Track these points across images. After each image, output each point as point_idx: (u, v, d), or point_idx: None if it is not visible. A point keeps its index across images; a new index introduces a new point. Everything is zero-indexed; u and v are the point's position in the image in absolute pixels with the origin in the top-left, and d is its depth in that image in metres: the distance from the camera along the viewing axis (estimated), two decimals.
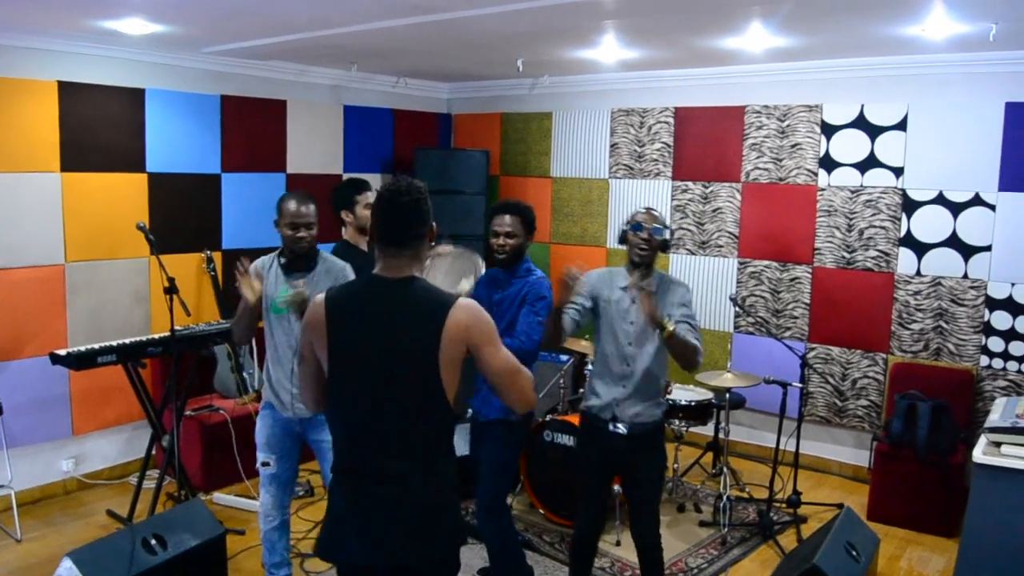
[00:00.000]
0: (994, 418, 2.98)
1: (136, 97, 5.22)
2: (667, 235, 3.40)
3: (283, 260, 3.69)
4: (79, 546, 3.61)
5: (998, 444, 2.85)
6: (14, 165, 4.72)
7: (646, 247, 3.35)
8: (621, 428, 3.37)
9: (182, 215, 5.48)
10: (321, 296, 2.43)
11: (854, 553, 3.72)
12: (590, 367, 4.80)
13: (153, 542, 3.71)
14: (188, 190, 5.53)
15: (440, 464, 2.36)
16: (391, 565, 2.31)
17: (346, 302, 2.39)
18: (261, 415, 3.76)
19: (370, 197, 4.29)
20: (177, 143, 5.44)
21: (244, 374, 5.40)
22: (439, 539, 2.34)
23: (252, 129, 5.87)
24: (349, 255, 4.09)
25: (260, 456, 3.74)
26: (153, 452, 4.81)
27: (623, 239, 3.45)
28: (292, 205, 3.59)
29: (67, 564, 3.50)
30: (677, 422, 4.98)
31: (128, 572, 3.52)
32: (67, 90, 4.89)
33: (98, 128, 5.05)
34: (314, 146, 6.32)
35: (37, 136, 4.80)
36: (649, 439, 3.43)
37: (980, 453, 2.85)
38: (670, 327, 3.10)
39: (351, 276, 3.69)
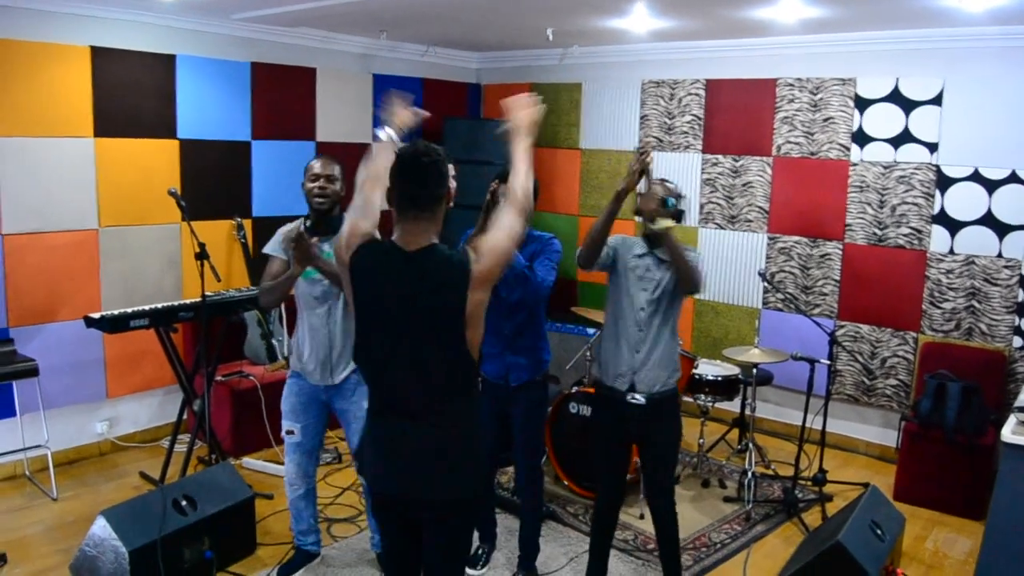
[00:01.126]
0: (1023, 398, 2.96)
1: (167, 63, 5.25)
2: (677, 204, 3.41)
3: (308, 223, 3.68)
4: (112, 505, 3.71)
5: None
6: (48, 130, 4.77)
7: (657, 216, 3.36)
8: (640, 398, 3.38)
9: (213, 182, 5.52)
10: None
11: (879, 532, 3.72)
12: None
13: (184, 503, 3.81)
14: (218, 157, 5.56)
15: (463, 415, 2.45)
16: (412, 498, 2.46)
17: (369, 271, 2.43)
18: (288, 383, 3.79)
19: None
20: (208, 110, 5.47)
21: (273, 341, 5.45)
22: (457, 480, 2.45)
23: (282, 96, 5.88)
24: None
25: (285, 424, 3.78)
26: (184, 416, 4.89)
27: (638, 211, 3.47)
28: (316, 162, 3.64)
29: (101, 522, 3.60)
30: (703, 397, 4.99)
31: (159, 531, 3.62)
32: (100, 55, 4.92)
33: (130, 94, 5.08)
34: (343, 114, 6.32)
35: (71, 101, 4.84)
36: (666, 407, 3.45)
37: (1009, 432, 2.83)
38: (666, 222, 3.21)
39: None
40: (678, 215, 3.42)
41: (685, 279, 3.34)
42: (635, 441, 3.53)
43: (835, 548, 3.49)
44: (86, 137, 4.92)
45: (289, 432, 3.76)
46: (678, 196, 3.43)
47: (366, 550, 4.11)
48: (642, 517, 4.51)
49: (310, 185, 3.61)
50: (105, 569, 3.57)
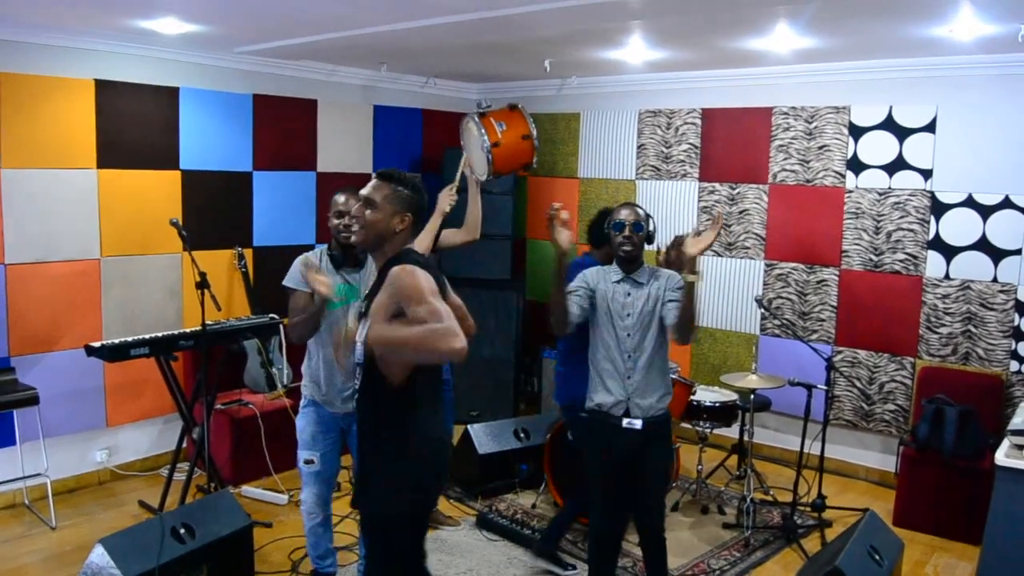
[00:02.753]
0: (1017, 421, 2.97)
1: (171, 96, 5.33)
2: (649, 227, 3.50)
3: (332, 253, 3.72)
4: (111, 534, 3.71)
5: (1021, 447, 2.83)
6: (52, 162, 4.84)
7: (629, 245, 3.45)
8: (636, 424, 3.41)
9: (214, 212, 5.58)
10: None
11: (877, 557, 3.71)
12: None
13: (182, 531, 3.80)
14: (220, 187, 5.63)
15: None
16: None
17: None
18: (303, 413, 3.79)
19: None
20: (210, 141, 5.55)
21: (273, 370, 5.48)
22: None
23: (283, 128, 5.96)
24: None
25: (304, 455, 3.77)
26: (184, 445, 4.90)
27: (605, 239, 3.55)
28: (340, 197, 3.67)
29: (99, 551, 3.59)
30: (702, 423, 4.99)
31: (157, 559, 3.61)
32: (104, 88, 5.00)
33: (133, 126, 5.16)
34: (344, 145, 6.40)
35: (74, 133, 4.92)
36: (660, 430, 3.48)
37: (1003, 455, 2.84)
38: (696, 274, 3.21)
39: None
40: (649, 237, 3.50)
41: (684, 331, 3.34)
42: (628, 465, 3.54)
43: (833, 574, 3.48)
44: (89, 168, 4.99)
45: (309, 461, 3.77)
46: (644, 221, 3.50)
47: None
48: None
49: (334, 222, 3.65)
50: None
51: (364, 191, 2.80)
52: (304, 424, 3.78)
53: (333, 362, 3.67)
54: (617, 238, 3.47)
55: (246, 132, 5.75)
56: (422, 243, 4.09)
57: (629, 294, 3.45)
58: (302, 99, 6.08)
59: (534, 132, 3.98)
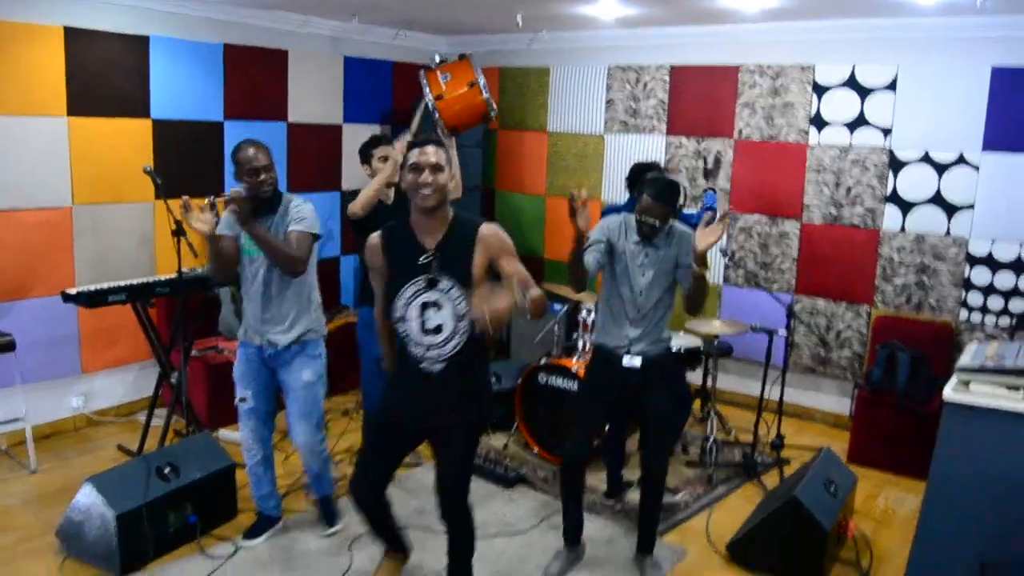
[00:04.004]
0: (965, 360, 3.17)
1: (141, 44, 5.29)
2: (676, 203, 3.63)
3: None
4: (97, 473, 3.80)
5: (967, 383, 3.05)
6: (22, 109, 4.80)
7: (651, 228, 3.57)
8: (635, 361, 3.63)
9: (185, 161, 5.57)
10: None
11: (832, 489, 3.95)
12: (584, 314, 5.00)
13: (167, 470, 3.91)
14: (191, 137, 5.62)
15: None
16: (433, 426, 3.08)
17: None
18: (238, 353, 3.92)
19: (386, 151, 4.43)
20: (181, 90, 5.53)
21: None
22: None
23: (254, 78, 5.95)
24: (372, 214, 4.28)
25: (238, 392, 3.90)
26: (160, 391, 4.98)
27: (633, 201, 3.68)
28: (249, 152, 3.64)
29: (87, 489, 3.70)
30: None
31: (144, 497, 3.72)
32: (73, 36, 4.95)
33: (104, 74, 5.12)
34: (315, 96, 6.40)
35: (44, 81, 4.87)
36: (659, 370, 3.69)
37: (950, 391, 3.04)
38: (706, 266, 3.37)
39: (304, 210, 3.75)
40: (675, 213, 3.65)
41: (693, 304, 3.57)
42: (630, 406, 3.75)
43: (791, 503, 3.72)
44: (59, 116, 4.96)
45: (242, 399, 3.89)
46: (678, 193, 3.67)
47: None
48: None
49: (249, 180, 3.65)
50: (92, 534, 3.68)
51: (429, 159, 2.87)
52: (237, 364, 3.90)
53: (256, 293, 3.76)
54: (643, 215, 3.56)
55: (217, 82, 5.73)
56: (359, 202, 4.22)
57: (647, 255, 3.63)
58: (273, 49, 6.06)
59: (480, 80, 4.00)
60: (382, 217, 4.15)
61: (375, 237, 3.07)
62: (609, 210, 4.23)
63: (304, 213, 3.74)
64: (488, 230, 2.97)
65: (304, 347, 3.84)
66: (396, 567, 3.55)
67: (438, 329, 2.95)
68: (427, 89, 4.02)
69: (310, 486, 4.20)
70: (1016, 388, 2.95)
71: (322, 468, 4.06)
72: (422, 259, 2.93)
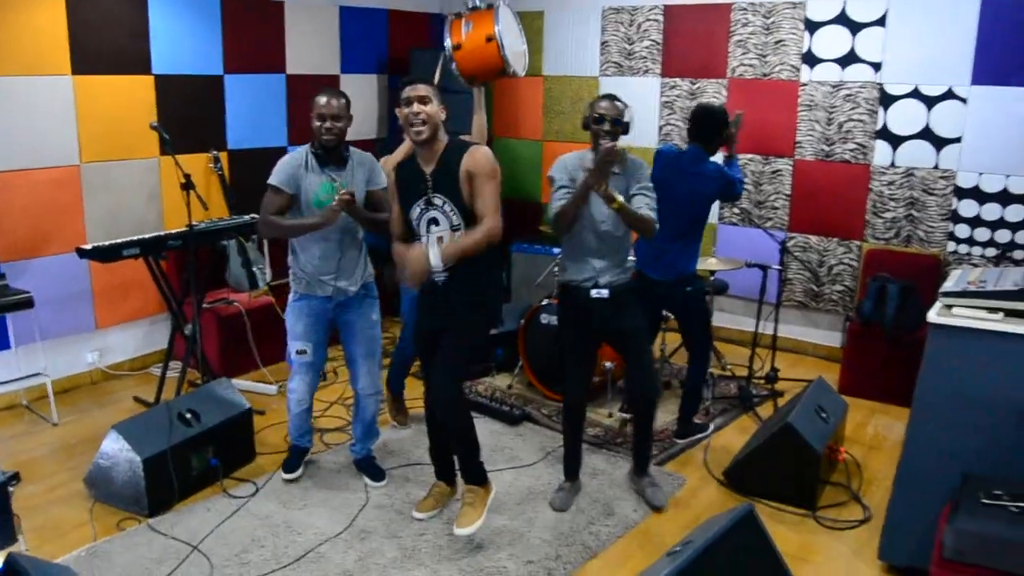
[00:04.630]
0: (948, 285, 3.31)
1: (139, 1, 5.33)
2: (628, 119, 3.71)
3: (317, 152, 3.82)
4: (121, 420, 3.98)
5: (950, 307, 3.19)
6: (27, 69, 4.85)
7: (611, 138, 3.65)
8: (604, 292, 3.76)
9: (188, 116, 5.65)
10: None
11: (823, 415, 4.14)
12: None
13: (188, 416, 4.08)
14: (193, 91, 5.69)
15: None
16: (448, 323, 3.51)
17: None
18: (293, 307, 3.99)
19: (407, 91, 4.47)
20: (180, 45, 5.57)
21: (255, 268, 5.66)
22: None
23: (251, 31, 5.99)
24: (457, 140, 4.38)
25: (296, 345, 4.01)
26: (174, 343, 5.13)
27: (586, 126, 3.77)
28: (322, 99, 3.76)
29: (113, 435, 3.87)
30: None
31: (168, 441, 3.90)
32: None
33: (105, 31, 5.16)
34: (312, 47, 6.45)
35: (47, 40, 4.92)
36: (627, 296, 3.84)
37: (934, 314, 3.19)
38: (618, 200, 3.52)
39: (380, 167, 3.96)
40: (626, 128, 3.71)
41: (642, 232, 3.70)
42: (604, 335, 3.90)
43: (785, 428, 3.90)
44: (64, 75, 5.02)
45: (301, 352, 4.01)
46: (623, 113, 3.72)
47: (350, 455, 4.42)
48: (610, 416, 4.89)
49: (316, 124, 3.75)
50: (120, 478, 3.86)
51: (418, 91, 3.28)
52: (296, 318, 3.99)
53: (333, 251, 3.87)
54: (597, 129, 3.68)
55: (215, 36, 5.78)
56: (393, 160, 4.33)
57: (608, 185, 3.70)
58: (269, 1, 6.09)
59: (499, 33, 4.02)
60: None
61: (390, 162, 3.56)
62: (665, 151, 4.41)
63: (378, 168, 3.95)
64: (475, 152, 3.34)
65: (368, 289, 4.06)
66: (440, 494, 3.90)
67: (440, 241, 3.38)
68: (447, 37, 4.06)
69: (358, 444, 4.29)
70: (996, 310, 3.10)
71: (374, 415, 4.25)
72: (424, 184, 3.38)
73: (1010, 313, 3.09)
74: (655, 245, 4.23)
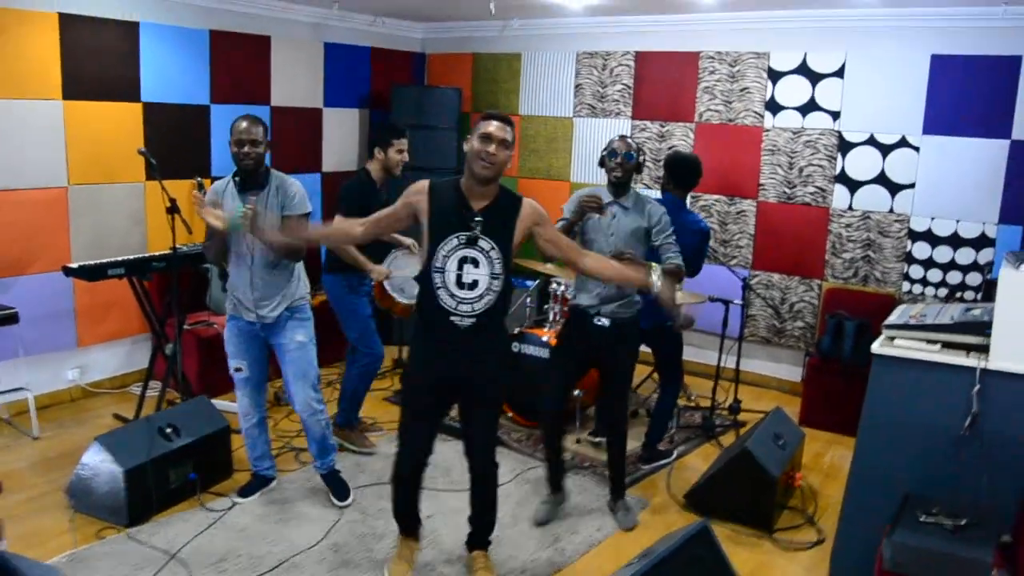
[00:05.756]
0: (892, 318, 3.56)
1: (131, 30, 5.53)
2: (638, 158, 4.02)
3: (237, 179, 3.96)
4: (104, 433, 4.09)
5: (892, 339, 3.43)
6: (19, 92, 5.02)
7: (620, 171, 3.97)
8: (604, 321, 3.98)
9: (175, 143, 5.83)
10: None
11: (780, 442, 4.35)
12: (554, 287, 5.36)
13: (168, 430, 4.21)
14: (180, 120, 5.88)
15: None
16: (478, 379, 3.34)
17: None
18: (227, 326, 4.14)
19: (403, 144, 4.67)
20: (169, 75, 5.77)
21: None
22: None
23: (239, 63, 6.21)
24: (362, 184, 4.62)
25: (232, 363, 4.15)
26: (155, 361, 5.25)
27: (602, 163, 4.06)
28: (241, 124, 3.86)
29: (95, 447, 3.98)
30: None
31: (148, 455, 4.01)
32: (67, 21, 5.18)
33: (96, 59, 5.35)
34: (296, 80, 6.67)
35: (40, 65, 5.10)
36: (626, 330, 4.05)
37: (877, 345, 3.43)
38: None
39: (296, 191, 3.99)
40: (639, 167, 4.04)
41: (680, 280, 4.02)
42: (596, 361, 4.11)
43: (743, 454, 4.11)
44: (55, 99, 5.19)
45: (237, 369, 4.14)
46: (635, 151, 4.02)
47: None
48: (578, 441, 5.07)
49: (234, 149, 3.86)
50: (101, 489, 3.97)
51: (500, 134, 3.15)
52: (229, 336, 4.12)
53: (246, 276, 3.96)
54: (609, 163, 3.99)
55: (203, 67, 5.98)
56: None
57: (615, 216, 3.98)
58: (256, 35, 6.31)
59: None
60: (372, 198, 4.48)
61: (424, 182, 3.27)
62: (662, 200, 4.60)
63: (295, 192, 3.99)
64: (530, 204, 3.29)
65: (293, 312, 4.06)
66: (410, 553, 3.66)
67: (474, 284, 3.18)
68: None
69: (315, 461, 4.35)
70: (935, 342, 3.33)
71: (323, 433, 4.24)
72: (472, 221, 3.17)
73: (947, 345, 3.33)
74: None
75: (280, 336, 4.07)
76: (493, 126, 3.15)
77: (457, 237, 3.18)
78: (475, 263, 3.19)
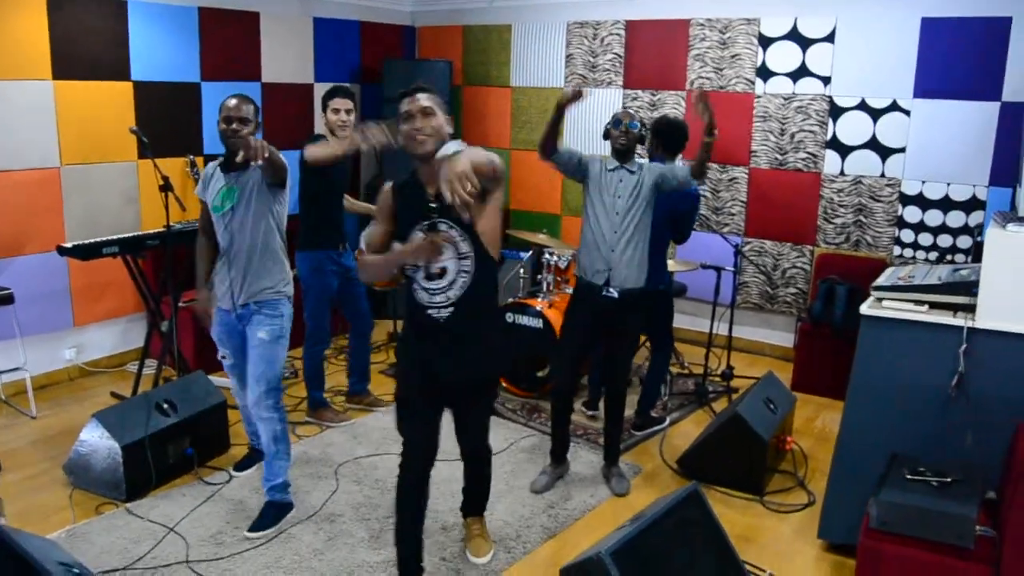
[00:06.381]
0: (880, 280, 3.58)
1: (120, 8, 5.50)
2: (640, 129, 4.06)
3: (222, 159, 3.82)
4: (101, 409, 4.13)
5: (880, 300, 3.45)
6: (9, 73, 5.01)
7: (624, 139, 4.00)
8: (613, 292, 3.99)
9: (166, 121, 5.82)
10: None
11: (771, 406, 4.39)
12: (547, 257, 5.39)
13: (166, 406, 4.25)
14: (170, 98, 5.87)
15: None
16: (467, 378, 3.14)
17: None
18: (214, 315, 3.97)
19: (337, 103, 4.66)
20: (159, 53, 5.76)
21: None
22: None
23: (228, 40, 6.18)
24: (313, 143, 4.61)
25: (220, 351, 4.00)
26: (151, 340, 5.28)
27: (606, 135, 4.10)
28: (230, 101, 3.68)
29: (93, 423, 4.03)
30: None
31: (146, 430, 4.06)
32: (55, 1, 5.15)
33: (85, 38, 5.34)
34: (286, 56, 6.64)
35: (29, 45, 5.09)
36: (636, 300, 4.06)
37: (866, 307, 3.45)
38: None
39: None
40: (641, 138, 4.11)
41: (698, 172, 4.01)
42: (606, 331, 4.12)
43: (734, 418, 4.15)
44: (45, 80, 5.19)
45: (223, 357, 4.00)
46: (639, 122, 4.07)
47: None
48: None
49: (223, 127, 3.67)
50: (99, 465, 4.02)
51: (417, 105, 2.90)
52: (214, 324, 3.96)
53: (224, 262, 3.80)
54: (614, 132, 4.03)
55: (193, 44, 5.96)
56: (316, 155, 4.48)
57: (622, 180, 4.00)
58: (245, 11, 6.28)
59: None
60: (329, 169, 4.54)
61: (388, 185, 3.10)
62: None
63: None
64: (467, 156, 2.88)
65: (261, 306, 3.79)
66: None
67: (442, 272, 2.96)
68: None
69: (263, 480, 3.98)
70: (922, 303, 3.36)
71: (273, 446, 3.87)
72: (426, 208, 2.93)
73: (934, 305, 3.35)
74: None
75: (247, 328, 3.83)
76: (407, 103, 2.93)
77: (419, 229, 2.98)
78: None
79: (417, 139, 2.91)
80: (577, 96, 3.72)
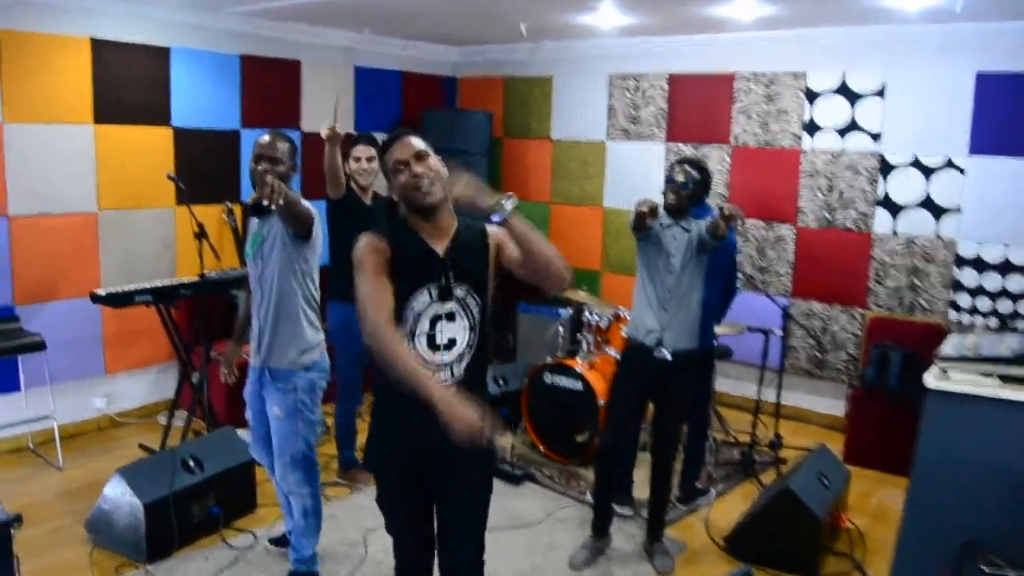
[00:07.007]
0: (945, 349, 3.37)
1: (162, 55, 5.52)
2: (693, 187, 3.90)
3: (251, 202, 3.36)
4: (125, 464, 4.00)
5: (946, 371, 3.24)
6: (51, 117, 5.03)
7: (674, 198, 3.87)
8: (666, 354, 3.81)
9: (204, 168, 5.80)
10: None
11: (825, 481, 4.14)
12: (587, 315, 5.22)
13: (191, 463, 4.11)
14: (210, 144, 5.86)
15: None
16: (458, 459, 2.52)
17: None
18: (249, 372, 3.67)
19: (359, 151, 4.62)
20: (200, 99, 5.75)
21: None
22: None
23: (269, 88, 6.18)
24: (348, 201, 4.52)
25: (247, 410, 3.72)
26: (181, 390, 5.17)
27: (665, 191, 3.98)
28: (264, 138, 3.40)
29: (116, 479, 3.90)
30: None
31: (170, 488, 3.92)
32: (99, 47, 5.18)
33: (128, 83, 5.35)
34: (327, 104, 6.59)
35: (72, 90, 5.10)
36: (689, 361, 3.90)
37: (931, 379, 3.23)
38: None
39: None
40: (696, 195, 3.96)
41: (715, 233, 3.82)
42: (656, 396, 3.94)
43: (785, 493, 3.91)
44: (86, 124, 5.18)
45: (247, 419, 3.73)
46: (690, 181, 3.91)
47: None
48: None
49: (252, 165, 3.37)
50: (121, 523, 3.88)
51: (410, 150, 2.50)
52: (247, 384, 3.67)
53: (255, 317, 3.52)
54: (667, 192, 3.91)
55: (234, 91, 5.96)
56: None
57: (675, 238, 3.86)
58: (287, 60, 6.29)
59: None
60: (359, 215, 4.42)
61: (372, 235, 2.54)
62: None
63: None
64: (494, 227, 2.60)
65: (276, 378, 3.46)
66: None
67: (451, 344, 2.56)
68: None
69: (290, 548, 3.80)
70: (991, 375, 3.14)
71: (303, 518, 3.65)
72: (441, 269, 2.54)
73: (1006, 379, 3.13)
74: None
75: (265, 396, 3.54)
76: (398, 151, 2.51)
77: (428, 292, 2.53)
78: (451, 318, 2.55)
79: (421, 189, 2.48)
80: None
